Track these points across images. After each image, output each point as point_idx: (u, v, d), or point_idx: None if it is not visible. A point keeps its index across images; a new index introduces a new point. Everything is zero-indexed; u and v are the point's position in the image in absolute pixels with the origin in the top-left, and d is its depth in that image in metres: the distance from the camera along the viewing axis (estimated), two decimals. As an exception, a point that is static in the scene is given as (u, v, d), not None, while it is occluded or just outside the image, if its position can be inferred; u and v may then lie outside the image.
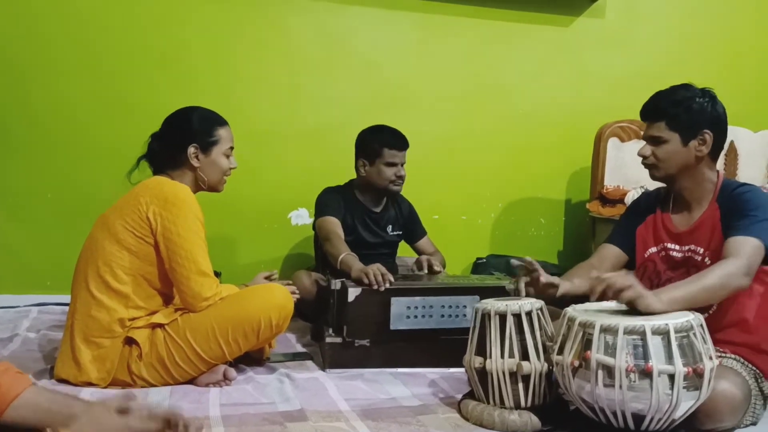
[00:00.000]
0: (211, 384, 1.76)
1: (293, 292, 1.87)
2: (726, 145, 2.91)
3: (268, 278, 2.01)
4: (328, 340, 1.98)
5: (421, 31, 2.92)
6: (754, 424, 1.65)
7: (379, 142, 2.38)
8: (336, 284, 2.01)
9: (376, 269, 1.99)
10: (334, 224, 2.30)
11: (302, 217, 2.82)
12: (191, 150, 1.80)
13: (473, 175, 3.00)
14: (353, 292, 1.95)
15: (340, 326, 1.98)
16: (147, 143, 1.86)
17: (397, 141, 2.40)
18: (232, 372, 1.79)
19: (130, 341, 1.71)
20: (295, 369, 1.96)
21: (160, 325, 1.72)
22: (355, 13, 2.85)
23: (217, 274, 1.86)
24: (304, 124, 2.83)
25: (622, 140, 2.81)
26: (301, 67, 2.82)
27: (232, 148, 1.88)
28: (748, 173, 3.01)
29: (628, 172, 2.73)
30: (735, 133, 2.97)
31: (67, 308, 1.83)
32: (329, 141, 2.83)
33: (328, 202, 2.39)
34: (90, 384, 1.70)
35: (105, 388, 1.71)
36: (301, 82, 2.82)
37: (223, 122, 1.87)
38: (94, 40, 2.66)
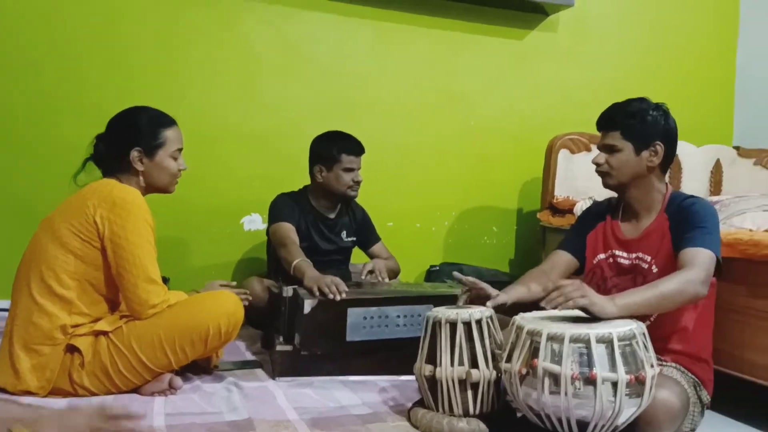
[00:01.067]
0: (156, 393, 1.72)
1: (245, 298, 1.85)
2: (671, 159, 3.05)
3: (225, 287, 1.96)
4: (278, 348, 1.96)
5: (379, 39, 2.94)
6: (692, 431, 1.70)
7: (337, 148, 2.39)
8: (288, 291, 1.99)
9: (330, 281, 1.98)
10: (288, 230, 2.29)
11: (255, 222, 2.79)
12: (134, 154, 1.75)
13: (428, 183, 3.02)
14: (309, 304, 1.93)
15: (291, 334, 1.96)
16: (92, 144, 1.81)
17: (355, 147, 2.42)
18: (177, 381, 1.76)
19: (71, 349, 1.66)
20: (243, 377, 1.93)
21: (104, 333, 1.68)
22: (313, 19, 2.84)
23: (165, 280, 1.82)
24: (260, 127, 2.80)
25: (572, 152, 2.88)
26: (257, 71, 2.80)
27: (180, 149, 1.82)
28: (691, 186, 3.12)
29: (578, 183, 2.80)
30: (680, 147, 3.05)
31: (4, 314, 1.76)
32: (284, 146, 2.81)
33: (282, 207, 2.38)
34: (29, 393, 1.64)
35: (45, 396, 1.65)
36: (257, 86, 2.80)
37: (169, 123, 1.81)
38: (32, 37, 2.56)
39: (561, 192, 2.87)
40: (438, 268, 2.90)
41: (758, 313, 1.98)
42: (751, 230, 2.58)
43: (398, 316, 2.04)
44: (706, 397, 1.76)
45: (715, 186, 3.18)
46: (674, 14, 3.40)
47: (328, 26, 2.86)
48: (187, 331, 1.69)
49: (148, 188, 1.80)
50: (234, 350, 2.21)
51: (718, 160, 3.19)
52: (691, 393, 1.69)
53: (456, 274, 1.78)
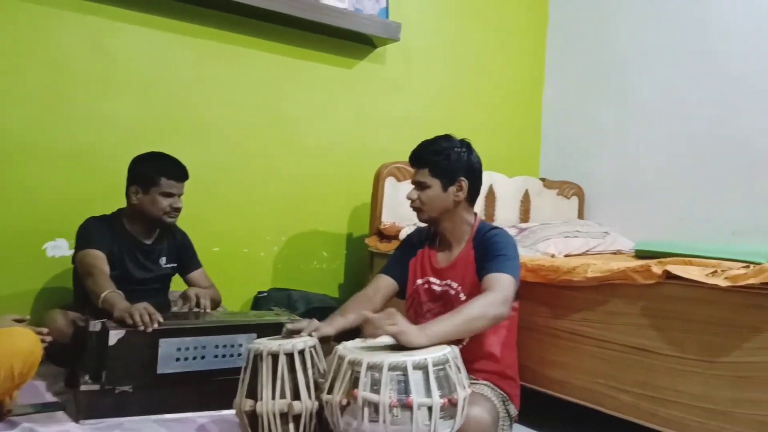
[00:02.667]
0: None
1: (43, 339, 1.67)
2: (486, 189, 3.27)
3: (19, 322, 1.77)
4: (83, 387, 1.79)
5: (206, 58, 2.84)
6: (502, 443, 1.82)
7: (156, 170, 2.25)
8: (95, 326, 1.83)
9: (143, 309, 1.86)
10: (97, 258, 2.11)
11: (60, 248, 2.53)
12: None
13: (257, 208, 2.96)
14: (115, 335, 1.79)
15: (99, 372, 1.80)
16: None
17: (177, 171, 2.29)
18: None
19: None
20: (42, 422, 1.74)
21: None
22: (135, 33, 2.68)
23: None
24: (71, 145, 2.56)
25: (399, 180, 2.98)
26: (69, 83, 2.56)
27: None
28: (503, 214, 3.36)
29: (403, 210, 2.88)
30: (493, 178, 3.31)
31: None
32: (98, 165, 2.59)
33: (91, 232, 2.18)
34: None
35: None
36: (68, 99, 2.56)
37: None
38: None
39: (388, 218, 2.96)
40: (266, 294, 2.84)
41: (557, 332, 2.17)
42: (553, 255, 2.84)
43: (217, 347, 1.96)
44: (514, 410, 1.89)
45: (524, 214, 3.45)
46: (490, 55, 3.67)
47: (151, 42, 2.71)
48: (-29, 375, 1.49)
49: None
50: (32, 391, 1.98)
51: (526, 191, 3.47)
52: (500, 408, 1.81)
53: (288, 325, 1.75)
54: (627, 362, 1.95)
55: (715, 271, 1.73)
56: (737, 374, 1.66)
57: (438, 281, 1.94)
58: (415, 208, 1.96)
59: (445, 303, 1.91)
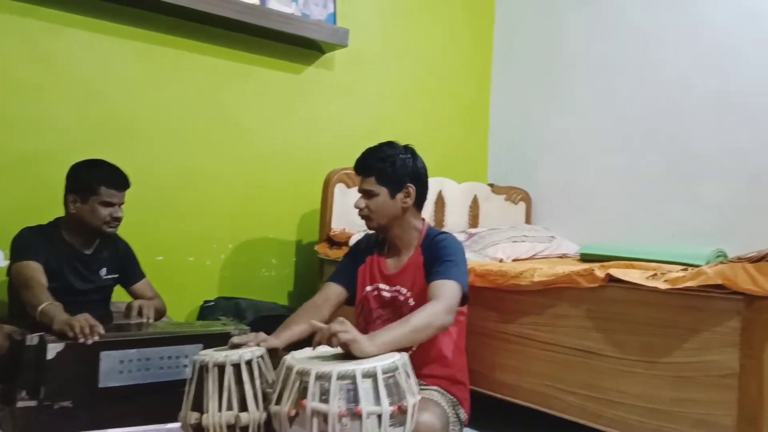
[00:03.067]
0: None
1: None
2: (435, 194, 3.30)
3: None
4: (20, 404, 1.71)
5: (151, 63, 2.77)
6: (452, 449, 1.82)
7: (96, 179, 2.17)
8: (33, 339, 1.75)
9: (83, 320, 1.79)
10: (34, 270, 2.02)
11: (-5, 260, 2.43)
12: None
13: (203, 215, 2.90)
14: (54, 348, 1.72)
15: (37, 387, 1.73)
16: None
17: (117, 180, 2.22)
18: None
19: None
20: (-26, 442, 1.66)
21: None
22: (75, 37, 2.59)
23: None
24: (5, 152, 2.46)
25: (348, 186, 2.97)
26: (4, 88, 2.47)
27: None
28: (453, 219, 3.39)
29: (353, 217, 2.86)
30: (443, 183, 3.34)
31: None
32: (35, 173, 2.50)
33: (27, 243, 2.09)
34: None
35: None
36: (3, 105, 2.46)
37: None
38: None
39: (338, 224, 2.94)
40: (213, 303, 2.78)
41: (506, 336, 2.20)
42: (501, 260, 2.88)
43: (162, 359, 1.91)
44: (464, 415, 1.90)
45: (473, 219, 3.49)
46: (438, 61, 3.70)
47: (92, 45, 2.63)
48: None
49: None
50: (-36, 410, 1.89)
51: (475, 196, 3.52)
52: (450, 413, 1.82)
53: (234, 339, 1.72)
54: (573, 364, 1.98)
55: (655, 274, 1.78)
56: (677, 374, 1.71)
57: (387, 287, 1.94)
58: (363, 217, 1.96)
59: (395, 309, 1.91)
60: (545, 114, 3.68)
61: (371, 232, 2.12)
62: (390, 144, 1.95)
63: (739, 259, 1.59)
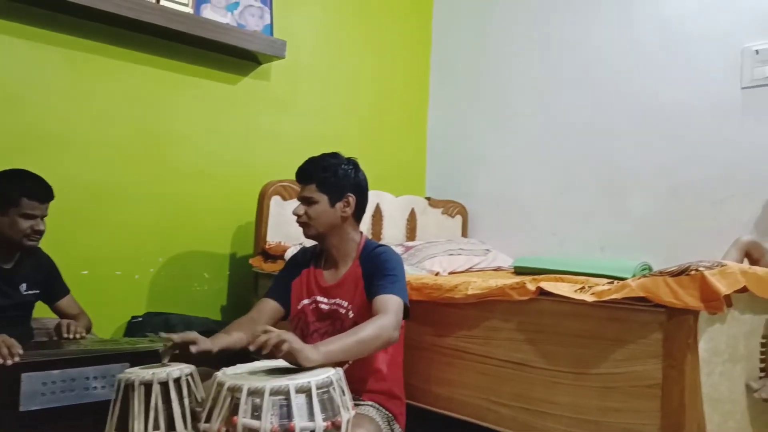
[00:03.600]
0: None
1: None
2: (373, 207, 3.31)
3: None
4: (-73, 431, 1.60)
5: (79, 70, 2.67)
6: (387, 464, 1.82)
7: (18, 190, 2.07)
8: (-56, 361, 1.65)
9: (1, 341, 1.70)
10: (-54, 285, 1.91)
11: None
12: None
13: (131, 227, 2.80)
14: (-35, 372, 1.62)
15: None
16: None
17: (40, 191, 2.11)
18: None
19: None
20: None
21: None
22: (-5, 40, 2.48)
23: None
24: None
25: (284, 198, 2.94)
26: None
27: None
28: (391, 232, 3.40)
29: (290, 229, 2.85)
30: (380, 197, 3.35)
31: None
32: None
33: (-61, 257, 1.98)
34: None
35: None
36: None
37: None
38: None
39: (273, 237, 2.91)
40: (141, 318, 2.69)
41: (442, 349, 2.22)
42: (438, 273, 2.91)
43: (87, 378, 1.82)
44: (399, 430, 1.90)
45: (411, 232, 3.52)
46: (376, 75, 3.72)
47: (14, 51, 2.51)
48: None
49: None
50: None
51: (412, 209, 3.54)
52: (385, 428, 1.81)
53: (162, 334, 1.67)
54: (506, 376, 2.01)
55: (583, 287, 1.83)
56: (604, 384, 1.76)
57: (326, 300, 1.93)
58: (301, 224, 1.95)
59: (334, 322, 1.90)
60: (481, 129, 3.76)
61: (308, 245, 2.10)
62: (334, 154, 1.97)
63: (661, 273, 1.66)
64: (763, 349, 1.85)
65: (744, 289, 1.66)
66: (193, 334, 1.71)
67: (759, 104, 2.71)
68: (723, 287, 1.58)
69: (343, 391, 1.51)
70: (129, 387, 1.50)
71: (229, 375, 1.49)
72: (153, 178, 2.87)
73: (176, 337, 1.67)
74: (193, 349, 1.67)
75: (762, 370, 1.84)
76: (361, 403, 1.82)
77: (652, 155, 3.02)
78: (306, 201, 1.93)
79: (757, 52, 2.70)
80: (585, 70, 3.31)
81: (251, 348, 1.55)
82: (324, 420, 1.41)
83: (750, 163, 2.70)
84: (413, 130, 3.95)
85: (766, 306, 1.84)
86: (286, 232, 2.88)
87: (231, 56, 3.08)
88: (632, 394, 1.70)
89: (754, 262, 2.47)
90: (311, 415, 1.40)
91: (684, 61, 2.94)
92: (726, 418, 1.72)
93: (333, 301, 1.92)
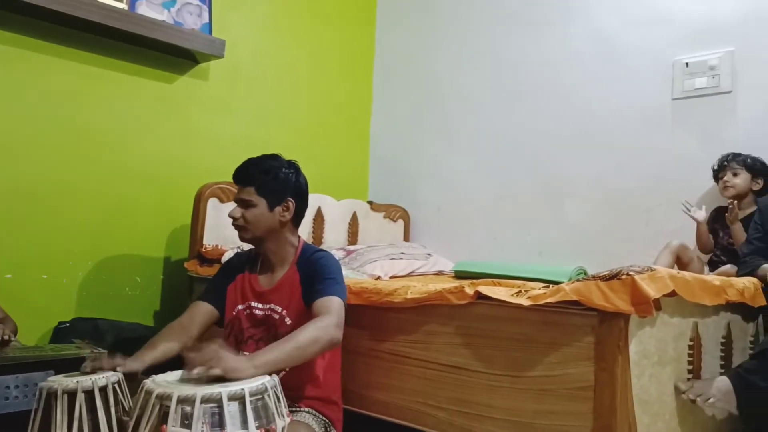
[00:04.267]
0: None
1: None
2: (314, 211, 3.27)
3: None
4: None
5: (6, 66, 2.54)
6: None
7: None
8: None
9: None
10: None
11: None
12: None
13: (58, 229, 2.67)
14: None
15: None
16: None
17: None
18: None
19: None
20: None
21: None
22: None
23: None
24: None
25: (222, 201, 2.87)
26: None
27: None
28: (332, 236, 3.38)
29: (227, 232, 2.78)
30: (322, 200, 3.32)
31: None
32: None
33: None
34: None
35: None
36: None
37: None
38: None
39: (210, 241, 2.84)
40: (68, 324, 2.57)
41: (381, 354, 2.20)
42: (379, 277, 2.90)
43: (8, 388, 1.72)
44: (336, 436, 1.87)
45: (352, 236, 3.50)
46: (319, 79, 3.68)
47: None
48: None
49: None
50: None
51: (354, 213, 3.53)
52: (321, 434, 1.78)
53: (83, 366, 1.58)
54: (444, 380, 2.01)
55: (520, 291, 1.85)
56: (539, 387, 1.78)
57: (260, 305, 1.89)
58: (237, 227, 1.89)
59: (269, 328, 1.86)
60: (424, 135, 3.78)
61: (245, 249, 2.05)
62: (274, 156, 1.92)
63: (594, 277, 1.69)
64: (691, 352, 1.91)
65: (673, 293, 1.71)
66: (116, 360, 1.61)
67: (688, 115, 2.82)
68: (652, 291, 1.62)
69: (278, 398, 1.48)
70: (51, 396, 1.44)
71: (158, 383, 1.43)
72: (83, 177, 2.76)
73: (103, 365, 1.58)
74: (119, 370, 1.57)
75: (690, 371, 1.90)
76: (298, 410, 1.79)
77: (588, 164, 3.10)
78: (243, 204, 1.87)
79: (687, 64, 2.81)
80: (524, 81, 3.37)
81: (185, 371, 1.49)
82: (258, 428, 1.38)
83: (678, 172, 2.80)
84: (356, 134, 3.94)
85: (694, 310, 1.91)
86: (223, 235, 2.82)
87: (168, 54, 2.99)
88: (566, 397, 1.73)
89: (683, 266, 2.56)
90: (244, 423, 1.36)
91: (619, 73, 3.03)
92: (655, 419, 1.77)
93: (268, 306, 1.88)
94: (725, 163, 2.56)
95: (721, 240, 2.59)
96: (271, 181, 1.87)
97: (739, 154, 2.55)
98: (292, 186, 1.90)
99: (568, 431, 1.71)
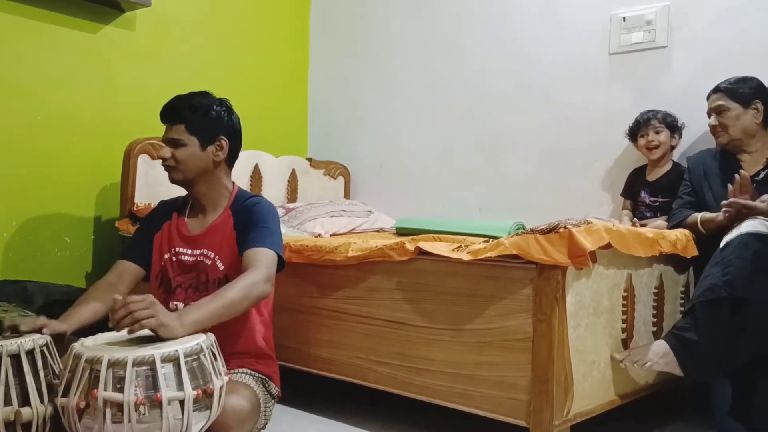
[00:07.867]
0: None
1: None
2: (252, 168, 3.19)
3: None
4: None
5: None
6: (264, 427, 1.77)
7: None
8: None
9: None
10: None
11: None
12: None
13: (-21, 190, 2.52)
14: None
15: None
16: None
17: None
18: None
19: None
20: None
21: None
22: None
23: None
24: None
25: (153, 157, 2.74)
26: None
27: None
28: (270, 194, 3.30)
29: (160, 189, 2.69)
30: (260, 157, 3.23)
31: None
32: None
33: None
34: None
35: None
36: None
37: None
38: None
39: (142, 199, 2.73)
40: (-7, 288, 2.45)
41: (322, 311, 2.19)
42: (319, 235, 2.86)
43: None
44: (275, 389, 1.85)
45: (292, 194, 3.44)
46: (254, 30, 3.54)
47: None
48: None
49: None
50: None
51: (293, 170, 3.46)
52: (260, 391, 1.75)
53: (5, 323, 1.50)
54: (386, 335, 2.02)
55: (460, 246, 1.86)
56: (479, 340, 1.81)
57: (189, 251, 1.81)
58: (168, 168, 1.81)
59: (199, 274, 1.79)
60: (363, 90, 3.70)
61: (168, 199, 1.97)
62: (203, 93, 1.84)
63: (532, 231, 1.71)
64: (625, 302, 1.97)
65: (608, 246, 1.75)
66: (40, 320, 1.54)
67: (625, 70, 2.85)
68: (589, 244, 1.65)
69: (215, 357, 1.45)
70: (-27, 362, 1.36)
71: (87, 346, 1.39)
72: (3, 134, 2.58)
73: (22, 327, 1.50)
74: (45, 332, 1.50)
75: (624, 321, 1.97)
76: (234, 371, 1.75)
77: (527, 120, 3.11)
78: (173, 143, 1.78)
79: (624, 19, 2.82)
80: (463, 35, 3.33)
81: (110, 325, 1.44)
82: (194, 389, 1.35)
83: (615, 128, 2.84)
84: (293, 89, 3.82)
85: (628, 261, 1.97)
86: (156, 192, 2.71)
87: (90, 2, 2.80)
88: (505, 348, 1.76)
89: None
90: (180, 384, 1.34)
91: (557, 27, 3.03)
92: (591, 367, 1.83)
93: (198, 251, 1.80)
94: (647, 121, 2.57)
95: (644, 199, 2.61)
96: (202, 119, 1.78)
97: (658, 111, 2.57)
98: (224, 124, 1.82)
99: (507, 381, 1.75)
